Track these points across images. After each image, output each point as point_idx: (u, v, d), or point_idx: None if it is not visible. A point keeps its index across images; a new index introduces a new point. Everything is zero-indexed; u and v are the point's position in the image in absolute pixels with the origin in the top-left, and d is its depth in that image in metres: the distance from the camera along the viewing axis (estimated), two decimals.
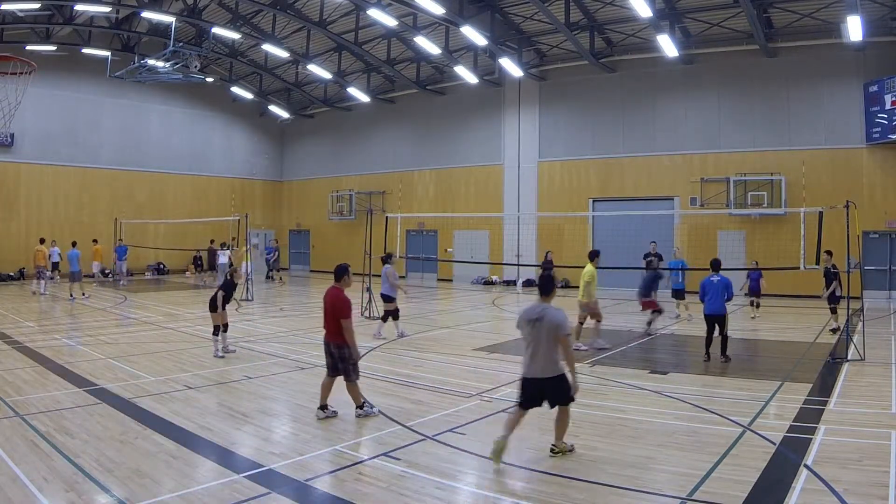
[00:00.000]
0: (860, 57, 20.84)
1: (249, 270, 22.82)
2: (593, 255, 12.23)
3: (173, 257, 31.93)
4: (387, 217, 19.36)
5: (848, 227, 10.91)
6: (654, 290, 14.28)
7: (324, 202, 34.22)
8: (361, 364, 10.27)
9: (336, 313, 6.84)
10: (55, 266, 25.85)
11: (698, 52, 23.23)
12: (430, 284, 28.52)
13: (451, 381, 9.19)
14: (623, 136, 25.43)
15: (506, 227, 26.37)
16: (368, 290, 14.76)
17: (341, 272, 7.10)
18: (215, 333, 10.95)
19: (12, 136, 25.56)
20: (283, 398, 8.48)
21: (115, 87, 28.92)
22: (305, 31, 27.47)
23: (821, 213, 12.72)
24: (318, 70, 29.28)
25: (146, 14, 24.19)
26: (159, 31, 27.24)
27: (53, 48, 26.54)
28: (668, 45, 21.66)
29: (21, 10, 23.32)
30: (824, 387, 8.80)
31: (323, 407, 7.24)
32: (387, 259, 13.39)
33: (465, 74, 26.88)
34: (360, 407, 7.03)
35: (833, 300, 13.51)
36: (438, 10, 21.00)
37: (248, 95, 34.12)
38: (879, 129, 20.25)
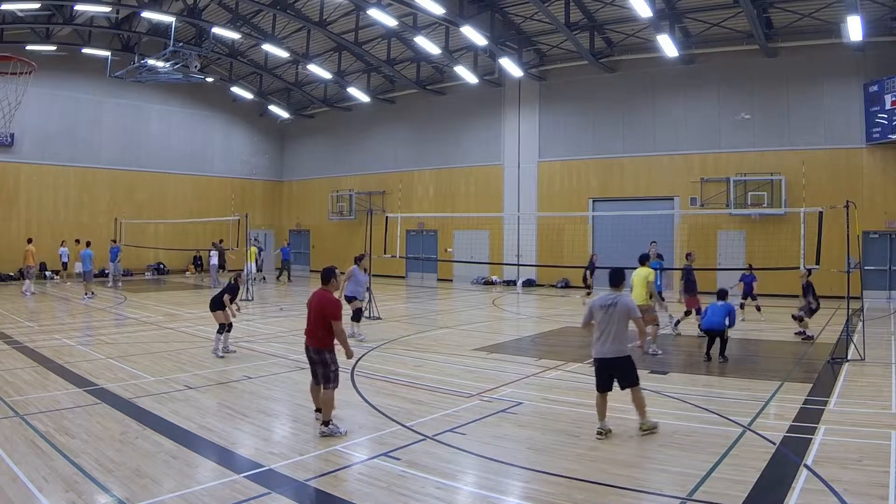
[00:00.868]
0: (860, 57, 20.83)
1: (251, 270, 22.88)
2: (645, 259, 11.88)
3: (173, 257, 31.93)
4: (387, 217, 19.37)
5: (848, 227, 10.90)
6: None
7: (324, 202, 34.22)
8: (361, 364, 10.32)
9: (326, 315, 6.66)
10: (64, 266, 25.93)
11: (698, 52, 23.22)
12: (430, 284, 28.52)
13: (451, 381, 9.18)
14: (623, 136, 25.42)
15: (506, 227, 26.39)
16: (368, 289, 14.77)
17: (328, 275, 6.98)
18: (219, 332, 10.98)
19: (12, 136, 25.55)
20: (283, 398, 8.48)
21: (115, 87, 28.92)
22: (305, 31, 27.47)
23: (821, 213, 12.71)
24: (318, 70, 29.28)
25: (146, 14, 24.19)
26: (159, 31, 27.23)
27: (53, 48, 26.54)
28: (668, 45, 21.66)
29: (21, 10, 23.33)
30: (824, 387, 8.79)
31: (319, 409, 7.23)
32: (359, 259, 13.13)
33: (465, 74, 26.88)
34: (325, 424, 6.64)
35: (809, 312, 13.29)
36: (438, 10, 21.00)
37: (248, 95, 34.12)
38: (879, 129, 20.25)
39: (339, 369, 6.85)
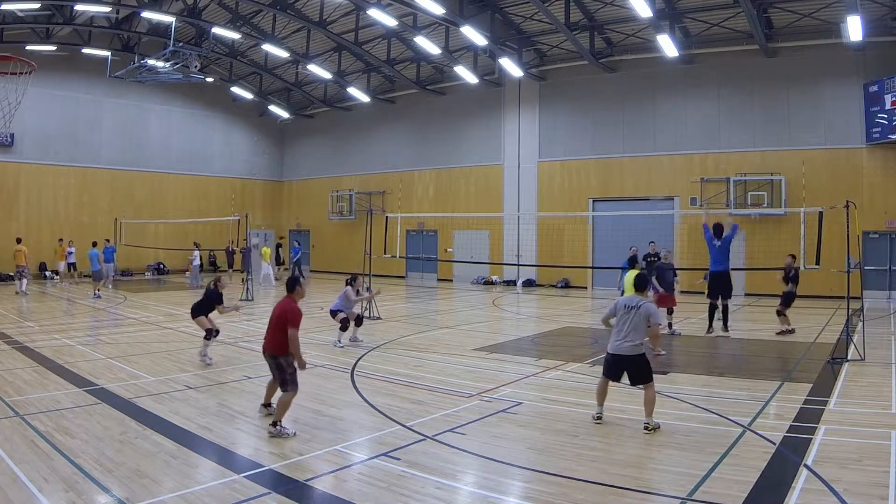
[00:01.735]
0: (860, 57, 20.84)
1: (269, 271, 23.14)
2: (633, 262, 11.94)
3: (173, 257, 31.93)
4: (387, 217, 19.37)
5: (848, 227, 10.90)
6: (651, 288, 14.19)
7: (324, 202, 34.22)
8: (361, 364, 10.32)
9: (283, 322, 6.79)
10: (71, 266, 25.88)
11: (698, 52, 23.22)
12: (431, 284, 28.52)
13: (451, 381, 9.18)
14: (623, 136, 25.42)
15: (506, 227, 26.39)
16: (369, 289, 14.76)
17: (293, 283, 7.20)
18: (207, 338, 10.66)
19: (12, 136, 25.57)
20: None
21: (115, 87, 28.92)
22: (305, 31, 27.47)
23: (821, 213, 12.72)
24: (318, 70, 29.29)
25: (146, 14, 24.19)
26: (159, 31, 27.24)
27: (53, 48, 26.54)
28: (668, 45, 21.66)
29: (21, 10, 23.33)
30: (824, 387, 8.79)
31: (267, 405, 7.32)
32: (351, 281, 12.82)
33: (465, 74, 26.88)
34: (274, 424, 6.66)
35: (788, 300, 13.41)
36: (438, 10, 21.01)
37: (248, 95, 34.13)
38: (879, 129, 20.25)
39: (297, 373, 6.84)
